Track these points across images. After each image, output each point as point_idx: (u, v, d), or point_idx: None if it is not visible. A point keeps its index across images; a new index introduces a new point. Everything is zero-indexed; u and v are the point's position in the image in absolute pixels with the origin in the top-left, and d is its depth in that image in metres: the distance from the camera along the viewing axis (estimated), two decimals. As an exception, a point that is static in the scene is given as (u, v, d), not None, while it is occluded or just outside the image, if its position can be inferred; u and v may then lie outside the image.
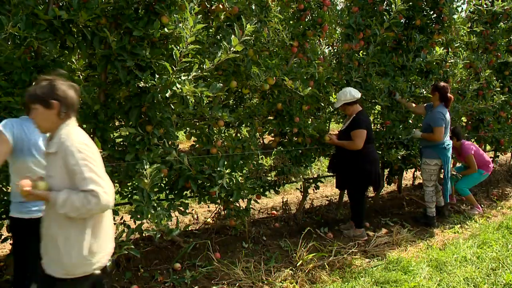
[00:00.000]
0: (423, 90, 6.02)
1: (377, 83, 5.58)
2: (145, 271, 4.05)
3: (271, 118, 5.19)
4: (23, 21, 3.08)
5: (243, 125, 4.89)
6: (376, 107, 6.10)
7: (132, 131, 3.72)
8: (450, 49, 6.55)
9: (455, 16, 6.20)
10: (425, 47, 6.04)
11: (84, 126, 3.71)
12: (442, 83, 5.45)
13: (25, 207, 2.83)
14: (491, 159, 8.47)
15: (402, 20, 5.94)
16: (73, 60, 4.13)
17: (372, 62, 5.60)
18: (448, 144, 5.54)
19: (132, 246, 3.26)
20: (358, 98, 4.90)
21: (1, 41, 3.08)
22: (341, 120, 5.82)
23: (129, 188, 4.08)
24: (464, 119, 7.11)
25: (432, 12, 6.18)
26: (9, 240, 3.57)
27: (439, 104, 5.48)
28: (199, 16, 3.55)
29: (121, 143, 3.93)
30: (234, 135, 4.80)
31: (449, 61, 6.37)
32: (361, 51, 5.68)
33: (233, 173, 4.39)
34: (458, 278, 4.12)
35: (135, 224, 3.80)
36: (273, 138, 5.29)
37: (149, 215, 3.38)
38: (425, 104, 5.78)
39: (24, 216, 2.84)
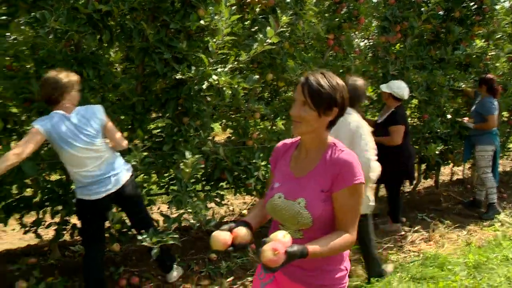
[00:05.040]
0: (462, 84, 5.87)
1: (414, 77, 5.48)
2: (181, 260, 4.10)
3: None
4: (64, 15, 3.17)
5: (279, 118, 4.88)
6: (413, 100, 5.97)
7: (169, 123, 3.78)
8: (491, 41, 6.35)
9: (497, 7, 6.01)
10: (464, 40, 5.87)
11: (122, 117, 3.79)
12: (488, 75, 5.50)
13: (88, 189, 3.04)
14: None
15: (440, 12, 5.80)
16: (111, 53, 4.21)
17: (409, 55, 5.49)
18: (498, 131, 5.72)
19: (176, 235, 3.28)
20: (404, 98, 4.80)
21: (44, 35, 3.18)
22: (377, 113, 5.72)
23: (166, 178, 4.14)
24: (505, 113, 6.89)
25: (472, 3, 6.00)
26: (52, 226, 3.68)
27: (487, 95, 5.55)
28: (233, 8, 3.57)
29: (158, 134, 4.00)
30: (269, 127, 4.80)
31: (490, 54, 6.18)
32: (398, 44, 5.56)
33: (268, 165, 4.40)
34: (499, 277, 4.00)
35: (170, 214, 3.86)
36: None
37: (187, 205, 3.42)
38: (475, 90, 5.85)
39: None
